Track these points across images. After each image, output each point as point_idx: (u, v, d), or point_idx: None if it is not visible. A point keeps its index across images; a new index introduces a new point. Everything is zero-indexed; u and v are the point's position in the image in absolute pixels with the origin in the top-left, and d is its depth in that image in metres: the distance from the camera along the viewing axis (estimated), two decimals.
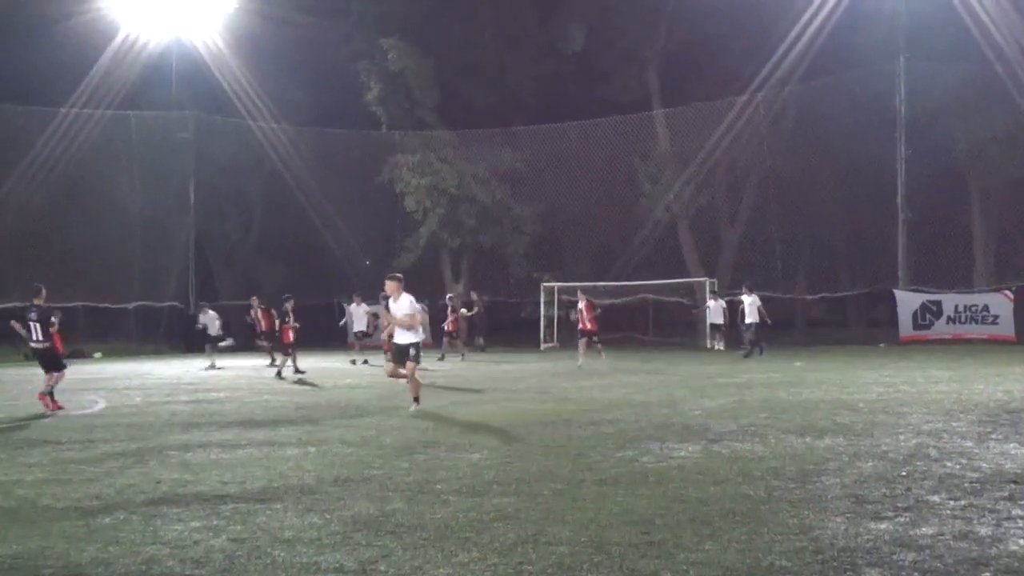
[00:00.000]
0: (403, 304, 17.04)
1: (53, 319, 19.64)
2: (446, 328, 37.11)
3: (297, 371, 28.14)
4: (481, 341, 42.11)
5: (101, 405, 19.44)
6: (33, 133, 41.42)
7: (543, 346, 43.64)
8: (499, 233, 47.21)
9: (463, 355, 36.27)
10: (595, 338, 30.58)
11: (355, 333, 36.49)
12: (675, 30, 45.82)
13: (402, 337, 17.15)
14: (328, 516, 8.39)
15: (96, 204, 43.66)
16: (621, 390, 20.73)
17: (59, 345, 20.11)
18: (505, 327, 47.92)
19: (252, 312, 35.18)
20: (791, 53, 41.40)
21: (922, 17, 38.84)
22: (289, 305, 28.90)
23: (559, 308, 44.49)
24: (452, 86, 47.75)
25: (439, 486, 9.73)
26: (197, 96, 46.73)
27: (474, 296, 43.55)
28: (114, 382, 25.97)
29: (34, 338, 19.32)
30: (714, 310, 39.01)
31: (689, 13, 44.38)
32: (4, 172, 40.54)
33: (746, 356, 32.30)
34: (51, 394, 18.75)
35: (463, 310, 39.51)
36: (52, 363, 19.32)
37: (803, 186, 42.73)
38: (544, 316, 44.82)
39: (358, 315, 36.04)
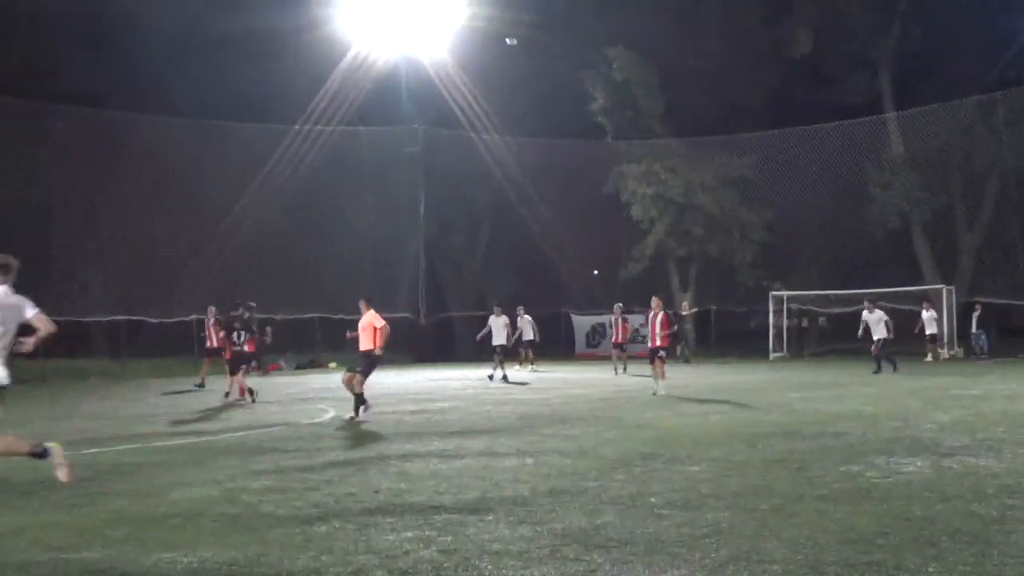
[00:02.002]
0: None
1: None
2: (614, 340, 36.11)
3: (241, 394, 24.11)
4: (687, 352, 41.71)
5: (330, 414, 19.95)
6: (268, 149, 42.89)
7: (772, 356, 42.82)
8: (726, 241, 46.57)
9: (617, 370, 34.16)
10: (662, 354, 24.47)
11: (495, 346, 32.49)
12: (908, 30, 44.42)
13: None
14: (539, 528, 8.32)
15: (328, 217, 45.17)
16: (850, 402, 20.09)
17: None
18: (735, 337, 47.26)
19: (208, 324, 29.94)
20: None
21: None
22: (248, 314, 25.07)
23: (789, 317, 43.67)
24: (677, 94, 47.37)
25: (653, 499, 9.56)
26: (424, 110, 47.81)
27: (686, 305, 43.15)
28: (344, 392, 26.44)
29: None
30: (927, 320, 37.78)
31: (923, 12, 42.99)
32: (241, 188, 42.12)
33: (876, 372, 30.20)
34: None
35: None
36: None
37: None
38: (773, 326, 43.99)
39: (498, 326, 32.95)
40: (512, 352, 34.67)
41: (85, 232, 40.89)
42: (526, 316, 36.46)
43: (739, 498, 9.50)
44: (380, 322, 19.20)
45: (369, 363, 19.15)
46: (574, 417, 18.07)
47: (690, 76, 47.33)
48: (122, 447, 15.02)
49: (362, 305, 19.73)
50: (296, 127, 43.93)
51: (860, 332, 31.79)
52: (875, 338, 30.81)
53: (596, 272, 50.03)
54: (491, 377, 30.91)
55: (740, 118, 47.37)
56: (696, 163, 46.72)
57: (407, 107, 48.30)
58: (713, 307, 46.14)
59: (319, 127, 44.38)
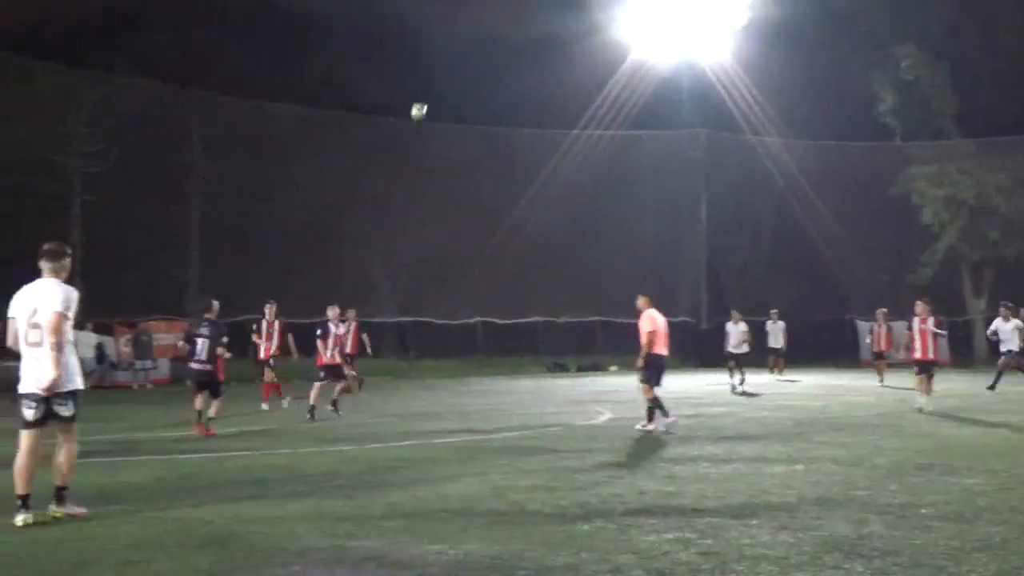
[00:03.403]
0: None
1: (224, 339, 17.74)
2: (875, 348, 33.57)
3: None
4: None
5: (605, 416, 20.16)
6: (547, 154, 43.54)
7: None
8: None
9: (881, 380, 30.92)
10: (933, 369, 21.49)
11: (731, 354, 30.29)
12: None
13: None
14: (800, 535, 8.21)
15: (608, 221, 45.57)
16: None
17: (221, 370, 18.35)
18: None
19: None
20: None
21: None
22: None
23: None
24: (970, 93, 45.33)
25: (924, 510, 9.27)
26: (705, 114, 47.55)
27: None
28: (622, 395, 26.53)
29: (197, 357, 17.46)
30: None
31: None
32: (522, 192, 42.89)
33: (990, 388, 25.90)
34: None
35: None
36: (214, 388, 17.51)
37: None
38: None
39: (735, 333, 30.75)
40: (772, 357, 34.23)
41: (374, 236, 42.57)
42: (779, 322, 35.00)
43: (1017, 513, 9.12)
44: (648, 324, 17.16)
45: (648, 368, 17.15)
46: (851, 425, 17.65)
47: (985, 74, 45.26)
48: (402, 443, 15.62)
49: (641, 303, 17.59)
50: (576, 132, 44.44)
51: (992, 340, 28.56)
52: (1003, 349, 27.77)
53: (886, 278, 48.45)
54: (734, 388, 28.62)
55: None
56: (991, 164, 44.67)
57: (687, 111, 48.16)
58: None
59: (599, 132, 44.75)
